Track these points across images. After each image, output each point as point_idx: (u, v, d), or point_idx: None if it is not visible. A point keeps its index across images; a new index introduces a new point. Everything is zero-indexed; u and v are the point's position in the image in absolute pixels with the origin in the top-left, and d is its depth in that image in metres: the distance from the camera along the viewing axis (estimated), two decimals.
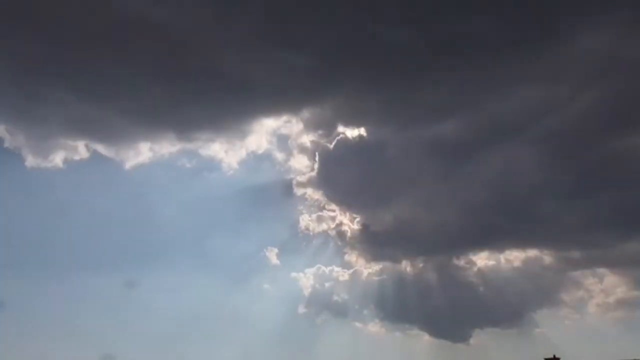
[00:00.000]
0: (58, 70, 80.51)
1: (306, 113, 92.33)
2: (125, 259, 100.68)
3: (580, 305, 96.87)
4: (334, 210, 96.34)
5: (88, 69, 79.44)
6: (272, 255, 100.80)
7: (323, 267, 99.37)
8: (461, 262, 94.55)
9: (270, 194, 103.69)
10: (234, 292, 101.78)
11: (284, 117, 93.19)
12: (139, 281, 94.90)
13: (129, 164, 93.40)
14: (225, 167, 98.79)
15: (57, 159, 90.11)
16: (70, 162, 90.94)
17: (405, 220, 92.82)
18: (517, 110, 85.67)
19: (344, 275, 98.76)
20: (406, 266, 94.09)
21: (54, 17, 74.64)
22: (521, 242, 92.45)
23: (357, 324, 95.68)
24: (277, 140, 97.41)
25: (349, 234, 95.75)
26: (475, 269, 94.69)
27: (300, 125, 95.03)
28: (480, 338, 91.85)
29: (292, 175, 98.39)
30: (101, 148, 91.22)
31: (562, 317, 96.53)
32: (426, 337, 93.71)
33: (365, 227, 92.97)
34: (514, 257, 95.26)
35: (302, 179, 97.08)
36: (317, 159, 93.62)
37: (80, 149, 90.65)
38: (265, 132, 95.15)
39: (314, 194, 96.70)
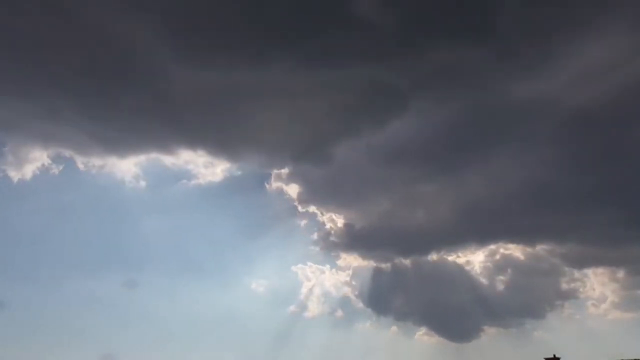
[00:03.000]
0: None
1: None
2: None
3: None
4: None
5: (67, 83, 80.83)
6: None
7: (311, 266, 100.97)
8: (448, 259, 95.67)
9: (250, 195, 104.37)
10: (220, 292, 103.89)
11: None
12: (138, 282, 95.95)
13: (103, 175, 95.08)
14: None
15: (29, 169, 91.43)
16: (45, 172, 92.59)
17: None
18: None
19: (333, 273, 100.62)
20: (398, 263, 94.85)
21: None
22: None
23: (348, 321, 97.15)
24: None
25: (332, 234, 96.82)
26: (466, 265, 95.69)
27: None
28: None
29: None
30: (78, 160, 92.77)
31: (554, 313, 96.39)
32: (420, 333, 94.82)
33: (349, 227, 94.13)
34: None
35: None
36: None
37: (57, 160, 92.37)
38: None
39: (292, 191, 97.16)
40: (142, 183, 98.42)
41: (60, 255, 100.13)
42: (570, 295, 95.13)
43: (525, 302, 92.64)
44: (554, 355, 53.57)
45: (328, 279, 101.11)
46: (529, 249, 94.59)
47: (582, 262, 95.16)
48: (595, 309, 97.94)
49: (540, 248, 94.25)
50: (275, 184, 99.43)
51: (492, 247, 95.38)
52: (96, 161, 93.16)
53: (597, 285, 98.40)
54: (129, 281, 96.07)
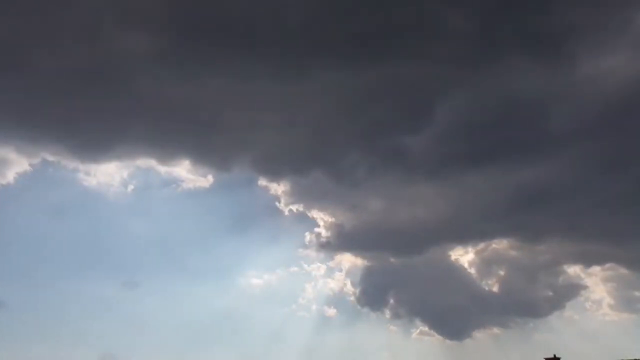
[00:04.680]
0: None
1: None
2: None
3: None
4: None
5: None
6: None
7: (305, 266, 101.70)
8: (445, 257, 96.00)
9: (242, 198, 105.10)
10: (213, 294, 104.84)
11: None
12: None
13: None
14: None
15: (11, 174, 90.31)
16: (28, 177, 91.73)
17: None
18: None
19: (327, 273, 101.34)
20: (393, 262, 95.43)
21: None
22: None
23: (343, 320, 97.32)
24: None
25: (326, 234, 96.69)
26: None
27: None
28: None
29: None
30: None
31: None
32: (417, 332, 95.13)
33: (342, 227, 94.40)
34: None
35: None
36: None
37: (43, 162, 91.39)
38: None
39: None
40: (129, 188, 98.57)
41: (55, 257, 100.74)
42: (572, 294, 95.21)
43: (525, 300, 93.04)
44: (554, 356, 53.72)
45: (323, 278, 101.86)
46: (530, 247, 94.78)
47: (585, 261, 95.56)
48: (595, 309, 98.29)
49: (543, 246, 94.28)
50: (265, 187, 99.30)
51: (494, 244, 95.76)
52: (81, 166, 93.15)
53: (599, 284, 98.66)
54: (118, 284, 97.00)
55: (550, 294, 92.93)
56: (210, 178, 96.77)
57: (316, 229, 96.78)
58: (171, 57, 79.90)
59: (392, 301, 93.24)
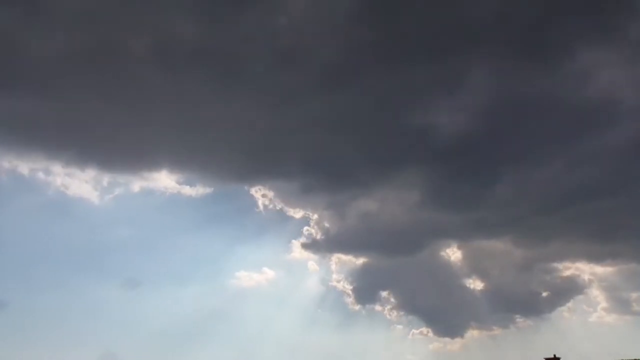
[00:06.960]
0: None
1: None
2: None
3: None
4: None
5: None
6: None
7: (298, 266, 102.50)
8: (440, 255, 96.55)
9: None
10: (206, 294, 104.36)
11: None
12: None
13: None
14: None
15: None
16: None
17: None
18: None
19: (321, 272, 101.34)
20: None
21: None
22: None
23: (337, 319, 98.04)
24: None
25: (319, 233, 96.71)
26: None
27: None
28: None
29: None
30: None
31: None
32: (414, 332, 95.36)
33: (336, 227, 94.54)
34: None
35: None
36: None
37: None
38: None
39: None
40: (109, 194, 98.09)
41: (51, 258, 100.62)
42: (572, 293, 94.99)
43: (524, 299, 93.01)
44: (554, 355, 53.67)
45: (316, 277, 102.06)
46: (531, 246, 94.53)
47: (585, 259, 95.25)
48: (595, 308, 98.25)
49: (545, 243, 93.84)
50: (255, 189, 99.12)
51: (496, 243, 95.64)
52: (60, 172, 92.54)
53: (600, 282, 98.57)
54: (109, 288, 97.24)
55: (550, 292, 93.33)
56: (197, 184, 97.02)
57: (307, 228, 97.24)
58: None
59: (385, 300, 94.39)
